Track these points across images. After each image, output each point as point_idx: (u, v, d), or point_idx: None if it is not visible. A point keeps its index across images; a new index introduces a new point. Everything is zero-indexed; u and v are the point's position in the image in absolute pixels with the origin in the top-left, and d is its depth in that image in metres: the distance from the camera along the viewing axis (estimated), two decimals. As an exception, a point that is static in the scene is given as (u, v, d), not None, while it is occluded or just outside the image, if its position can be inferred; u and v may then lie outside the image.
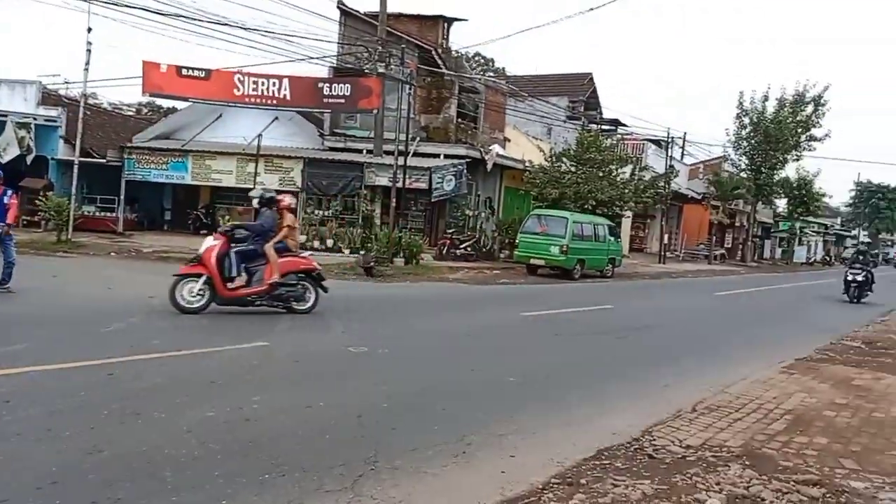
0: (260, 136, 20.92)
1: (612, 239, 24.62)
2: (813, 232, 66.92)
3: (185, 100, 25.78)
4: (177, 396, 5.97)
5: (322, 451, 4.93)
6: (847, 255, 69.69)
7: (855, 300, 20.62)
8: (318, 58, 23.96)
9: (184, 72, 23.80)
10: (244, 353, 7.84)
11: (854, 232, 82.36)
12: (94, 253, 18.72)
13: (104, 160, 24.65)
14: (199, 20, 20.17)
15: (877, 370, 9.24)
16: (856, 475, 4.95)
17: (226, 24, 20.79)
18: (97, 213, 24.82)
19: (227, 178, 24.68)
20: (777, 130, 40.94)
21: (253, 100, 24.01)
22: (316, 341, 9.05)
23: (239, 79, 23.95)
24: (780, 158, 42.69)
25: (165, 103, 37.72)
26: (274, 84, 23.72)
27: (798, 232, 60.20)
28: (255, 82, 23.85)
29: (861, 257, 22.07)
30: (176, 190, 27.90)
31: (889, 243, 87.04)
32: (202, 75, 23.81)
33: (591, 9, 25.69)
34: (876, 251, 56.83)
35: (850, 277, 20.90)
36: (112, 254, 18.79)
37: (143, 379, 6.45)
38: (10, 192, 11.43)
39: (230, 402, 5.86)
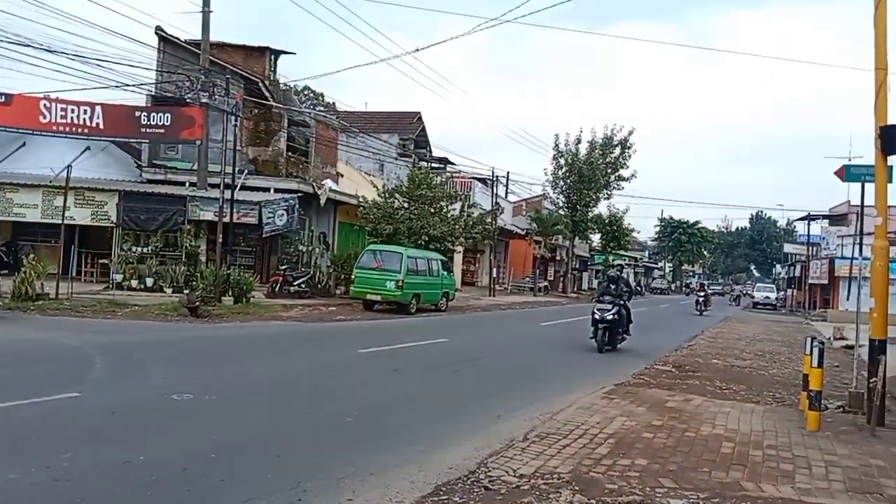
0: (69, 166, 19.30)
1: (446, 273, 25.15)
2: (625, 264, 72.45)
3: (-18, 127, 23.38)
4: (-32, 460, 5.27)
5: (142, 511, 4.53)
6: (658, 285, 75.76)
7: (607, 348, 14.90)
8: (134, 85, 22.58)
9: (-21, 96, 21.57)
10: (52, 406, 7.08)
11: (661, 264, 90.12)
12: None
13: None
14: (-6, 39, 18.34)
15: (686, 392, 10.05)
16: (674, 493, 5.30)
17: (28, 46, 19.00)
18: None
19: (31, 212, 22.54)
20: (589, 171, 44.24)
21: (61, 128, 22.16)
22: (134, 390, 8.36)
23: (45, 105, 22.03)
24: (593, 197, 46.13)
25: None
26: (85, 112, 22.04)
27: (612, 264, 64.87)
28: (63, 109, 22.03)
29: (613, 287, 15.75)
30: (-30, 226, 25.12)
31: (692, 273, 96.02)
32: (2, 100, 21.69)
33: (417, 49, 26.38)
34: (631, 280, 49.17)
35: (597, 315, 15.00)
36: None
37: (-75, 442, 5.64)
38: None
39: (36, 462, 5.25)
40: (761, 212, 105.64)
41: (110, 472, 5.20)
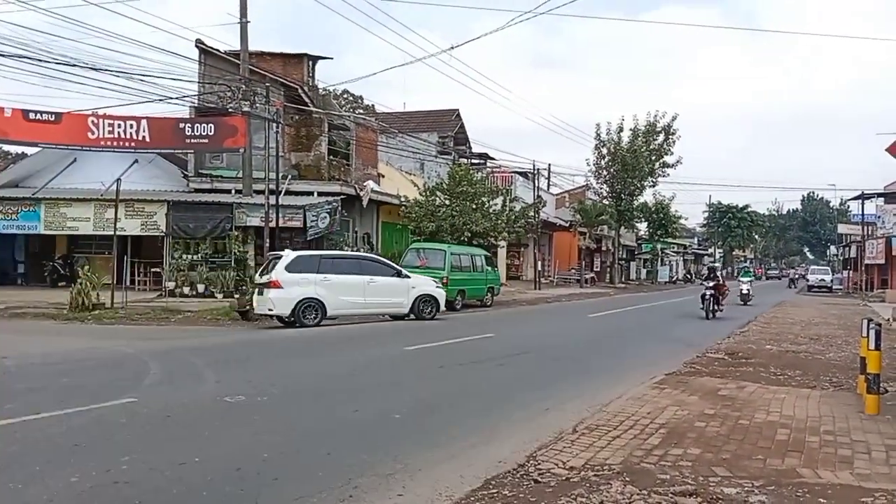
0: (119, 180, 19.89)
1: (490, 268, 25.15)
2: (673, 252, 71.38)
3: (35, 145, 24.22)
4: (36, 463, 5.47)
5: (199, 511, 4.63)
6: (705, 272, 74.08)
7: None
8: (177, 98, 23.14)
9: (31, 115, 22.31)
10: (110, 412, 7.30)
11: (710, 250, 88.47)
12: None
13: (-58, 212, 22.60)
14: (45, 61, 18.98)
15: (739, 379, 9.82)
16: (728, 482, 5.20)
17: (74, 65, 19.61)
18: (-64, 271, 22.68)
19: (84, 225, 23.25)
20: (633, 159, 43.56)
21: (110, 143, 22.84)
22: (188, 393, 8.57)
23: (93, 121, 22.73)
24: (638, 185, 45.43)
25: (12, 149, 35.29)
26: (132, 126, 22.70)
27: (660, 253, 63.96)
28: (110, 125, 22.71)
29: None
30: (29, 241, 26.07)
31: (743, 259, 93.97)
32: (52, 119, 22.42)
33: (453, 46, 26.49)
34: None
35: None
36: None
37: (-7, 449, 5.86)
38: None
39: (97, 465, 5.42)
40: (813, 193, 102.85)
41: (167, 474, 5.34)
